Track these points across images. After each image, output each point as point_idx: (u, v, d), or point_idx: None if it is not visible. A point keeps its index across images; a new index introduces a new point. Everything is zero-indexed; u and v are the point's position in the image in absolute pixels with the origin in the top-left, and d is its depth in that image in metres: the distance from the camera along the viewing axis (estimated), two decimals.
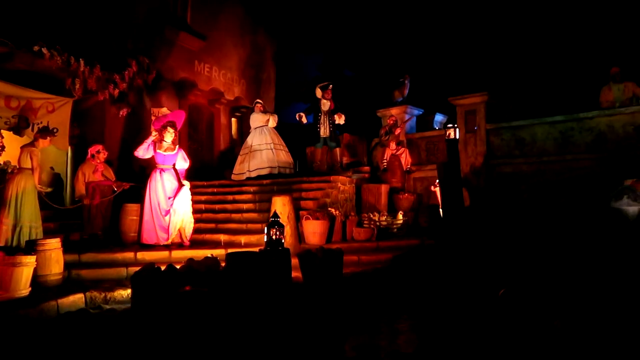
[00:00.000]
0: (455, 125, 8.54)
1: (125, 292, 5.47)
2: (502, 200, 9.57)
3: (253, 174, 10.06)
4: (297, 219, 7.77)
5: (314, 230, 7.56)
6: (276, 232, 5.51)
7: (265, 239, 5.60)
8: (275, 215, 5.63)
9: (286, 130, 13.55)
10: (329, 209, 8.10)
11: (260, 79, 13.13)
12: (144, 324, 4.59)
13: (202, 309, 4.80)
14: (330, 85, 10.55)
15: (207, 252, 6.63)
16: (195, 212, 8.85)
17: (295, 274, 5.85)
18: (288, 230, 7.26)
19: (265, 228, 5.60)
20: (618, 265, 10.51)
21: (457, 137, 8.64)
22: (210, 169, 11.58)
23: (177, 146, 7.57)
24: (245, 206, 8.86)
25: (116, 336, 4.33)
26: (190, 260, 5.31)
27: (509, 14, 12.90)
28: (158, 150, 7.35)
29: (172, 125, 7.30)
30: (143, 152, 7.45)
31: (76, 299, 5.15)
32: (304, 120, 10.80)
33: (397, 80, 11.93)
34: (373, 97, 14.35)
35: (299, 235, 7.69)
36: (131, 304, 4.96)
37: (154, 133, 7.43)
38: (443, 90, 11.42)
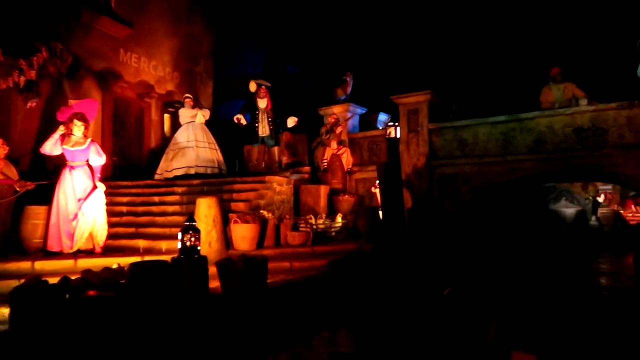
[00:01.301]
0: (397, 124, 8.21)
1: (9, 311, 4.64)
2: (444, 203, 9.31)
3: (171, 174, 9.33)
4: (226, 223, 7.14)
5: (243, 235, 6.94)
6: (191, 237, 4.87)
7: (178, 246, 4.94)
8: (191, 218, 4.98)
9: (226, 128, 12.84)
10: (261, 211, 7.51)
11: (196, 73, 12.33)
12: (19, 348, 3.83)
13: (101, 324, 4.10)
14: (264, 87, 9.95)
15: (121, 260, 5.90)
16: (115, 215, 8.10)
17: (217, 284, 5.24)
18: (214, 235, 6.65)
19: (179, 233, 4.94)
20: (555, 266, 10.60)
21: (398, 136, 8.32)
22: (138, 168, 10.70)
23: (89, 140, 6.72)
24: (171, 208, 8.11)
25: None
26: (87, 272, 4.57)
27: (454, 14, 12.77)
28: (64, 146, 6.51)
29: (80, 117, 6.48)
30: (50, 147, 6.60)
31: None
32: (243, 122, 10.17)
33: (340, 77, 11.50)
34: (317, 95, 13.89)
35: (227, 241, 7.05)
36: (9, 325, 4.17)
37: (61, 127, 6.58)
38: (388, 89, 11.07)
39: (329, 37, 14.68)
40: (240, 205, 7.72)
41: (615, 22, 10.82)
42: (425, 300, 5.86)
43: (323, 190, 9.44)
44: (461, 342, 3.39)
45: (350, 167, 10.32)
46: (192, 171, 9.46)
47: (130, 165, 10.79)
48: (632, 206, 16.94)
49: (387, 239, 7.71)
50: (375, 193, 9.50)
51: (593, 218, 16.41)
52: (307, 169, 10.60)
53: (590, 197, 16.83)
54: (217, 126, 13.04)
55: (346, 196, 9.55)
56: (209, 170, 9.69)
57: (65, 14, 8.76)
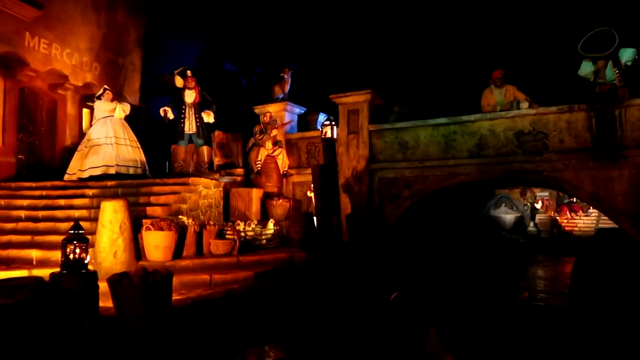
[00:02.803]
0: (333, 123, 7.64)
1: None
2: (384, 208, 8.84)
3: (85, 174, 8.28)
4: (139, 230, 6.27)
5: (156, 244, 6.09)
6: (75, 249, 4.02)
7: (61, 260, 4.08)
8: (77, 226, 4.13)
9: (155, 127, 11.88)
10: (180, 217, 6.69)
11: (121, 65, 11.24)
12: None
13: None
14: (189, 71, 9.09)
15: (2, 275, 4.95)
16: (11, 220, 7.10)
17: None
18: (120, 244, 5.77)
19: (62, 244, 4.08)
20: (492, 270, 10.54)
21: (335, 136, 7.75)
22: (50, 168, 9.54)
23: None
24: (77, 213, 7.10)
25: None
26: None
27: (396, 15, 12.43)
28: None
29: None
30: None
31: None
32: (170, 115, 9.23)
33: (278, 75, 10.83)
34: (256, 93, 13.15)
35: (139, 251, 6.18)
36: None
37: None
38: (329, 89, 10.54)
39: (269, 33, 13.99)
40: (158, 210, 6.86)
41: (556, 25, 10.82)
42: (363, 307, 5.59)
43: (255, 193, 8.72)
44: (404, 347, 3.31)
45: (286, 169, 9.65)
46: (112, 171, 8.47)
47: (41, 164, 9.63)
48: (567, 212, 17.31)
49: (321, 247, 7.09)
50: (312, 197, 8.89)
51: (531, 224, 16.62)
52: (240, 171, 9.84)
53: (529, 204, 17.06)
54: (147, 124, 12.03)
55: (280, 200, 8.88)
56: (131, 171, 8.72)
57: None
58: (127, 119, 9.68)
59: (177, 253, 6.44)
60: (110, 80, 10.68)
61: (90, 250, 5.93)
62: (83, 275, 4.02)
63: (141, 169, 8.78)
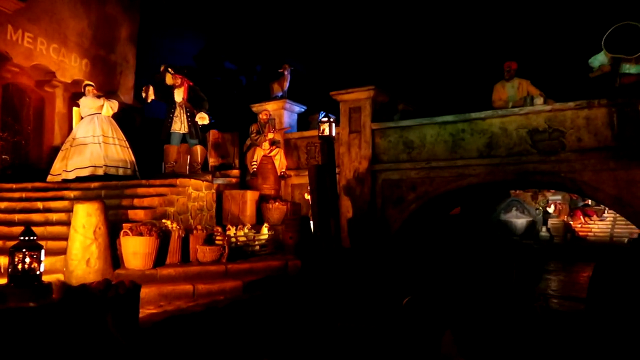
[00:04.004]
0: (332, 120, 7.08)
1: None
2: (387, 212, 8.28)
3: (71, 175, 7.81)
4: (117, 236, 5.75)
5: (135, 250, 5.56)
6: (25, 258, 3.49)
7: (8, 270, 3.56)
8: (27, 232, 3.60)
9: (151, 127, 11.41)
10: (164, 221, 6.15)
11: (113, 62, 10.76)
12: None
13: None
14: (170, 68, 8.54)
15: None
16: None
17: None
18: (94, 251, 5.25)
19: (9, 252, 3.56)
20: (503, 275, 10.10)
21: (333, 133, 7.20)
22: (37, 169, 9.07)
23: None
24: (55, 217, 6.62)
25: None
26: None
27: (400, 6, 11.88)
28: None
29: None
30: None
31: None
32: (152, 96, 8.39)
33: (276, 71, 10.32)
34: (255, 92, 12.66)
35: (117, 258, 5.66)
36: None
37: None
38: (331, 87, 10.02)
39: (269, 30, 13.51)
40: (140, 214, 6.34)
41: (572, 14, 10.21)
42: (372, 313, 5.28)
43: (250, 196, 8.19)
44: (418, 351, 3.26)
45: (284, 170, 9.12)
46: (101, 172, 8.00)
47: (27, 165, 9.17)
48: (581, 217, 16.64)
49: (317, 253, 6.54)
50: (309, 200, 8.35)
51: (544, 229, 15.95)
52: (235, 172, 9.34)
53: (541, 208, 16.40)
54: (142, 124, 11.56)
55: (277, 203, 8.34)
56: (120, 172, 8.25)
57: None
58: (122, 118, 9.19)
59: (160, 260, 5.91)
60: (101, 77, 10.23)
61: (62, 257, 5.52)
62: (33, 288, 3.49)
63: (131, 170, 8.31)
